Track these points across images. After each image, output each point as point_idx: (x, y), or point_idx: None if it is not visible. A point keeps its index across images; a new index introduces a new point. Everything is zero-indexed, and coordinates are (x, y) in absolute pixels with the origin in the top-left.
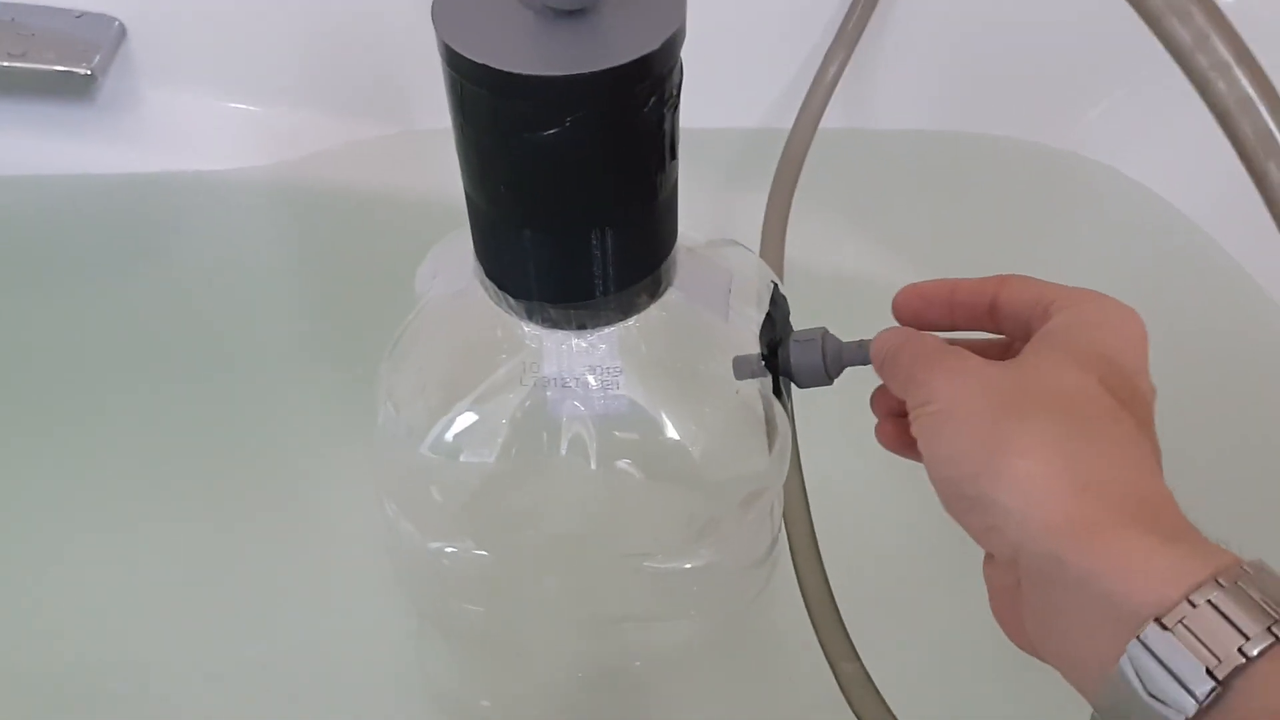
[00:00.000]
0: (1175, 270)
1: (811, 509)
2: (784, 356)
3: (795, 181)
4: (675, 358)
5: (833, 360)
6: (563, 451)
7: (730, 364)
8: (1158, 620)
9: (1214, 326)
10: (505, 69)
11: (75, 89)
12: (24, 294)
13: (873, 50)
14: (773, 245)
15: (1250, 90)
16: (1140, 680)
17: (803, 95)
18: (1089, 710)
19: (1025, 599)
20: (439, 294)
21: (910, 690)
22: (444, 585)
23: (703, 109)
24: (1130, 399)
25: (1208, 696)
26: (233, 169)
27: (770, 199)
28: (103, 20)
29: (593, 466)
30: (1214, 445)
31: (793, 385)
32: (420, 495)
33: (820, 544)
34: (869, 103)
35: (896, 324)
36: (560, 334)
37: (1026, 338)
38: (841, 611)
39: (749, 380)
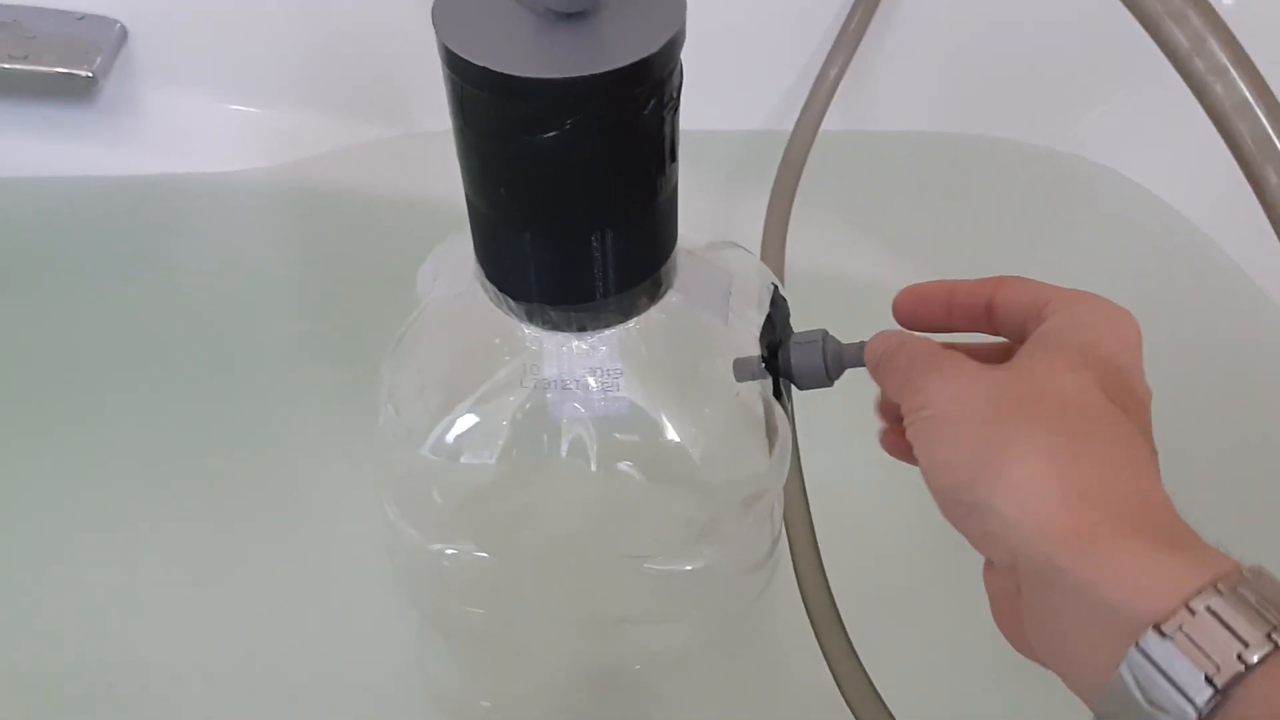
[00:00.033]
0: (1175, 272)
1: (812, 511)
2: (784, 358)
3: (796, 183)
4: (675, 360)
5: (833, 362)
6: (563, 453)
7: (730, 366)
8: (1156, 628)
9: (1214, 328)
10: (505, 71)
11: (76, 91)
12: (25, 296)
13: (873, 52)
14: (774, 247)
15: (1247, 94)
16: (1140, 688)
17: (804, 97)
18: (1089, 714)
19: (1025, 605)
20: (440, 296)
21: (910, 692)
22: (444, 587)
23: (704, 111)
24: (1126, 400)
25: (1208, 704)
26: (234, 171)
27: (771, 201)
28: (104, 22)
29: (593, 468)
30: (1214, 446)
31: (793, 387)
32: (421, 497)
33: (820, 546)
34: (870, 105)
35: (897, 325)
36: (561, 336)
37: (1023, 340)
38: (842, 613)
39: (749, 382)
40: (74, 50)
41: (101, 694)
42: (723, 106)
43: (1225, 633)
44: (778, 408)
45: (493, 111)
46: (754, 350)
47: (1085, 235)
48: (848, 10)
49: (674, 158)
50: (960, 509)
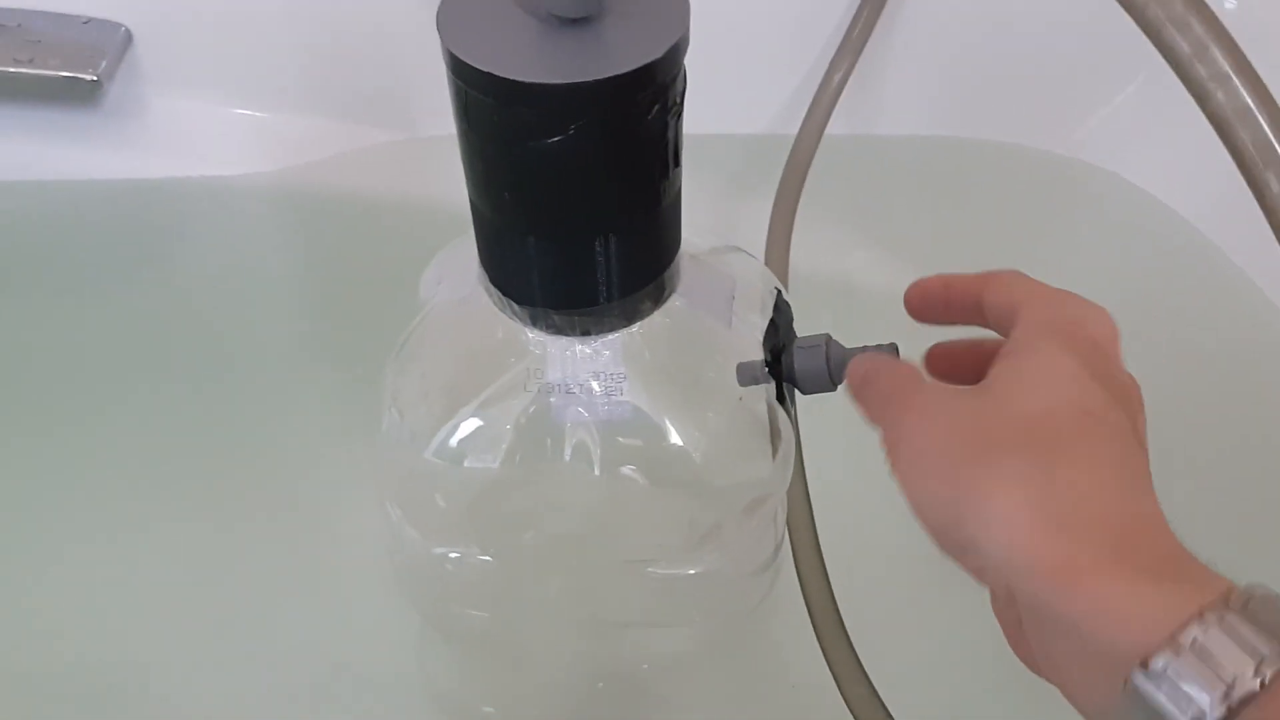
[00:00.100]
0: (1177, 275)
1: (815, 515)
2: (787, 363)
3: (800, 188)
4: (679, 364)
5: (836, 366)
6: (566, 457)
7: (734, 370)
8: (1144, 665)
9: (1216, 331)
10: (509, 77)
11: (81, 95)
12: (28, 298)
13: (877, 57)
14: (778, 252)
15: (1249, 101)
16: None
17: (808, 102)
18: None
19: (1027, 633)
20: (443, 300)
21: (913, 697)
22: (447, 590)
23: (707, 115)
24: (1108, 400)
25: None
26: (238, 175)
27: (775, 205)
28: (109, 26)
29: (596, 472)
30: (1214, 448)
31: (796, 391)
32: (424, 500)
33: (823, 550)
34: (874, 109)
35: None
36: (564, 340)
37: None
38: (844, 617)
39: (752, 387)
40: (79, 54)
41: (101, 694)
42: (727, 111)
43: (1209, 673)
44: (781, 412)
45: (497, 116)
46: (757, 355)
47: (1087, 238)
48: (852, 15)
49: (678, 162)
50: (952, 546)
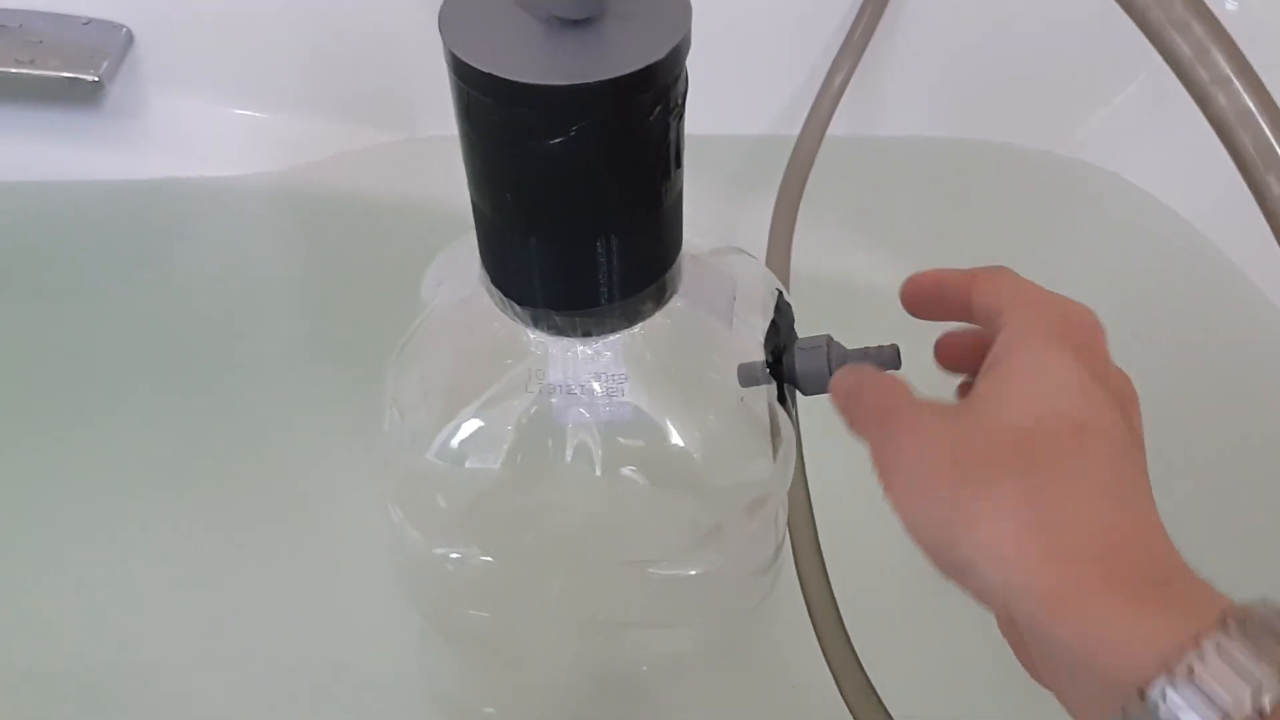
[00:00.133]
0: (1177, 275)
1: (816, 516)
2: (789, 364)
3: (802, 189)
4: (680, 365)
5: (837, 367)
6: (568, 458)
7: (735, 371)
8: (1140, 694)
9: (1216, 331)
10: (511, 78)
11: (82, 95)
12: (29, 299)
13: (879, 58)
14: (779, 252)
15: (1250, 103)
16: None
17: (809, 103)
18: None
19: (1031, 651)
20: (445, 301)
21: (913, 698)
22: (448, 591)
23: (709, 116)
24: (1103, 400)
25: None
26: (239, 175)
27: (776, 206)
28: (110, 27)
29: (597, 473)
30: (1215, 448)
31: (797, 392)
32: (425, 501)
33: (824, 551)
34: (875, 110)
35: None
36: (565, 341)
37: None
38: (845, 618)
39: (753, 387)
40: (80, 55)
41: (101, 694)
42: (728, 112)
43: (1207, 701)
44: (782, 413)
45: (498, 117)
46: (758, 355)
47: (1087, 238)
48: (853, 17)
49: (679, 163)
50: (949, 567)
